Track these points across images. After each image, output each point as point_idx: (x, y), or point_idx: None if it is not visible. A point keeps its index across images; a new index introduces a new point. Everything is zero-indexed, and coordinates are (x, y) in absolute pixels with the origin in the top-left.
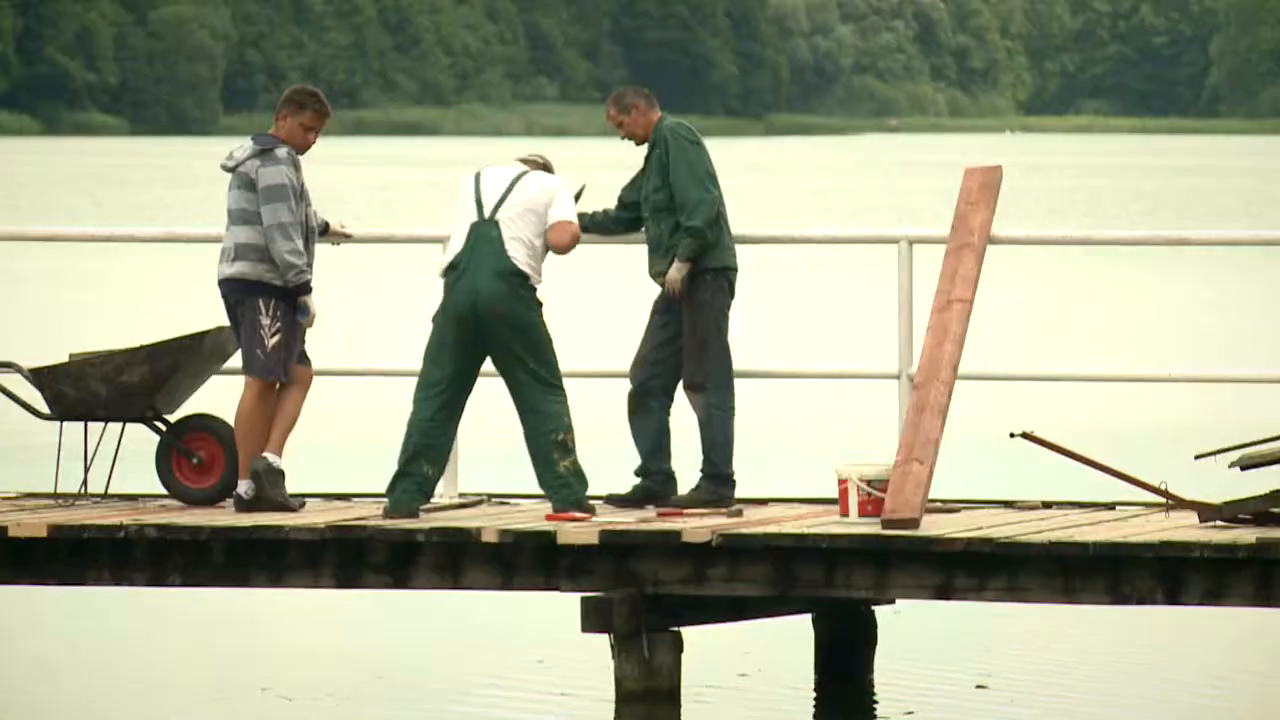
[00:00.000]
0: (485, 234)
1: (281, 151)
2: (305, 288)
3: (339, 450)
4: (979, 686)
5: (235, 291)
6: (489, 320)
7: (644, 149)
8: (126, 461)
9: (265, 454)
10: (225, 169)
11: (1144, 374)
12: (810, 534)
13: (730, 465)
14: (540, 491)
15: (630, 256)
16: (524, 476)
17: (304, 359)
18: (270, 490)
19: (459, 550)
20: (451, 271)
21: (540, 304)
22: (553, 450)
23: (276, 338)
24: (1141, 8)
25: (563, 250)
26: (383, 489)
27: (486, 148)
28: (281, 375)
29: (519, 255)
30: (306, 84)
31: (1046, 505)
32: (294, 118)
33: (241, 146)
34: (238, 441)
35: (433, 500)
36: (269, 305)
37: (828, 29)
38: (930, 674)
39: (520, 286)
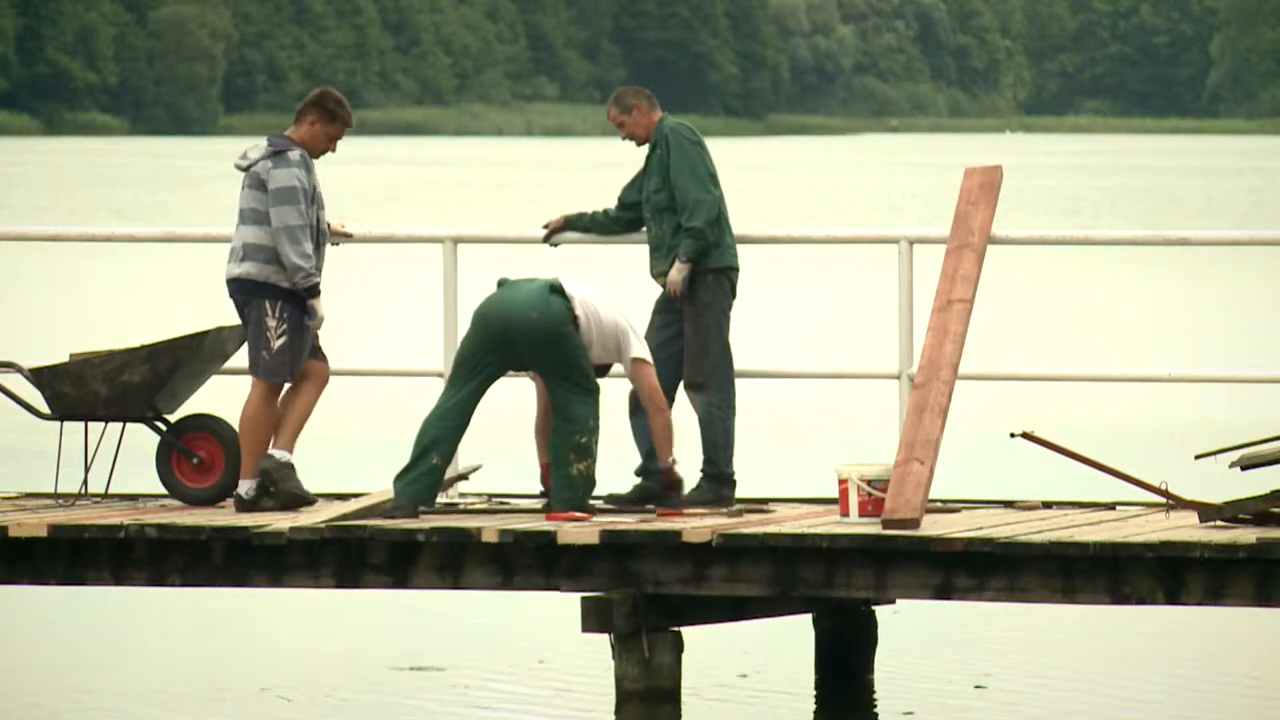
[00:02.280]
0: (541, 277)
1: (295, 154)
2: (313, 291)
3: (341, 450)
4: (979, 686)
5: (242, 292)
6: (521, 327)
7: (645, 149)
8: (126, 461)
9: (272, 450)
10: (239, 168)
11: (1144, 374)
12: (810, 534)
13: (730, 465)
14: (539, 491)
15: (631, 257)
16: (524, 477)
17: (320, 356)
18: (284, 483)
19: (459, 550)
20: (498, 287)
21: (574, 315)
22: (570, 451)
23: (282, 339)
24: (1141, 8)
25: (642, 387)
26: (383, 490)
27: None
28: (286, 377)
29: (573, 287)
30: (333, 89)
31: (1046, 505)
32: (323, 125)
33: (256, 146)
34: (242, 442)
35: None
36: (275, 307)
37: (828, 29)
38: (930, 674)
39: (557, 301)
